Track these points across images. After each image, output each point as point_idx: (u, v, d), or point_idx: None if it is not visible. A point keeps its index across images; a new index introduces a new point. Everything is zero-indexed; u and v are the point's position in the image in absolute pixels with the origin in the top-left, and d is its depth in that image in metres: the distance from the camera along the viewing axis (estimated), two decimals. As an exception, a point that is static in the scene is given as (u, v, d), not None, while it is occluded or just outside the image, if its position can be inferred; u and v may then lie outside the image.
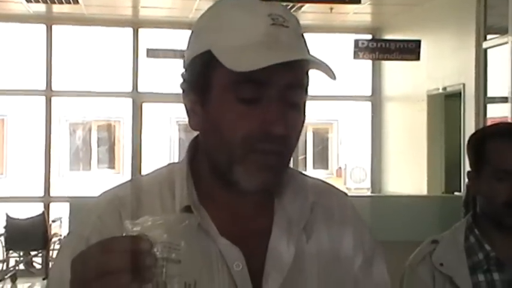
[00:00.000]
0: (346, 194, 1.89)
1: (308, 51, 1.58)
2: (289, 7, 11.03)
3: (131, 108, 12.88)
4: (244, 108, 1.53)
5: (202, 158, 1.65)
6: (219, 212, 1.59)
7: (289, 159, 1.63)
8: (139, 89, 12.68)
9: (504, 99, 9.77)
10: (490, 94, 10.20)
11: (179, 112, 19.35)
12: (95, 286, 1.20)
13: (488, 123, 10.01)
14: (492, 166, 2.61)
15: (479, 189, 2.68)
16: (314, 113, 16.59)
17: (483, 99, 10.16)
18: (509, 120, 9.57)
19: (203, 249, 1.54)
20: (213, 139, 1.60)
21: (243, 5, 1.58)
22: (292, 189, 1.68)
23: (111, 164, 21.93)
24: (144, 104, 12.88)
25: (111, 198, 1.63)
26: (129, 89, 12.77)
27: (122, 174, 19.10)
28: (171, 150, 20.31)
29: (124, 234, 1.26)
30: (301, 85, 1.57)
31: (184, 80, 1.63)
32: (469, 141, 2.80)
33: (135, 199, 1.61)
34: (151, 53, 12.14)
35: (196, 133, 1.69)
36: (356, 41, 11.71)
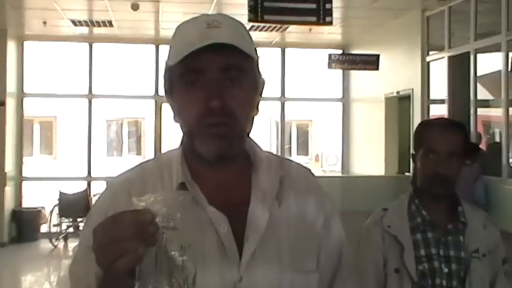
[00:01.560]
0: (309, 169, 1.85)
1: (245, 41, 1.54)
2: (277, 28, 11.08)
3: (153, 108, 12.92)
4: (191, 94, 1.53)
5: (186, 142, 1.64)
6: (207, 186, 1.57)
7: (241, 130, 1.59)
8: (160, 93, 12.54)
9: (442, 101, 9.94)
10: (432, 97, 10.35)
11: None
12: (109, 250, 1.20)
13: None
14: (424, 148, 2.60)
15: (417, 167, 2.66)
16: (297, 112, 16.60)
17: (427, 101, 10.29)
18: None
19: (196, 216, 1.52)
20: (181, 124, 1.59)
21: (191, 21, 1.58)
22: (265, 166, 1.66)
23: (138, 151, 22.17)
24: (163, 104, 12.69)
25: (123, 180, 1.64)
26: (152, 93, 12.83)
27: (147, 158, 19.24)
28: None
29: (132, 209, 1.25)
30: (237, 66, 1.53)
31: (164, 86, 1.64)
32: (414, 131, 2.79)
33: (141, 180, 1.60)
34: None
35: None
36: (329, 55, 11.71)
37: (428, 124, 2.85)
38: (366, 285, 2.59)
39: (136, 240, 1.20)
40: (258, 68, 1.62)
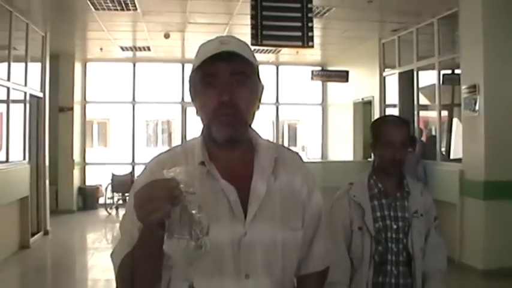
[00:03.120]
0: (297, 152, 1.81)
1: (248, 53, 1.55)
2: (272, 51, 11.04)
3: (180, 111, 12.95)
4: (208, 91, 1.52)
5: (205, 131, 1.62)
6: (220, 164, 1.55)
7: (244, 121, 1.58)
8: (185, 99, 12.70)
9: (395, 105, 9.97)
10: (387, 102, 10.34)
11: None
12: (146, 208, 1.23)
13: None
14: (383, 139, 2.58)
15: (376, 153, 2.63)
16: (288, 114, 16.66)
17: (384, 105, 10.37)
18: None
19: (212, 187, 1.51)
20: (201, 116, 1.59)
21: (209, 40, 1.58)
22: (264, 149, 1.64)
23: (169, 144, 22.12)
24: (187, 108, 12.84)
25: (158, 160, 1.62)
26: (179, 99, 12.84)
27: None
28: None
29: (162, 178, 1.27)
30: (242, 72, 1.53)
31: (189, 89, 1.64)
32: (370, 125, 2.76)
33: (171, 160, 1.57)
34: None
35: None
36: (312, 71, 11.81)
37: (384, 121, 2.78)
38: (337, 239, 2.55)
39: (165, 200, 1.22)
40: (258, 74, 1.62)
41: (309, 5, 6.46)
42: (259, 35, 6.31)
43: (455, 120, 9.20)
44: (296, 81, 13.77)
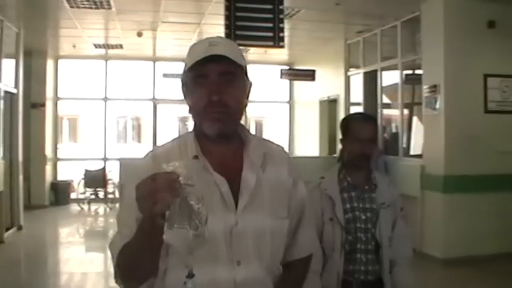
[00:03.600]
0: (282, 147, 1.86)
1: (236, 54, 1.58)
2: (242, 50, 11.29)
3: (151, 108, 12.88)
4: (199, 91, 1.57)
5: (197, 127, 1.66)
6: (212, 158, 1.59)
7: (233, 118, 1.62)
8: (156, 96, 12.72)
9: (359, 104, 10.10)
10: (352, 100, 10.49)
11: (179, 110, 19.59)
12: (148, 199, 1.27)
13: None
14: (351, 135, 2.64)
15: (346, 148, 2.69)
16: (256, 111, 16.78)
17: (348, 103, 10.52)
18: None
19: (205, 179, 1.54)
20: (193, 113, 1.63)
21: (199, 41, 1.62)
22: (252, 144, 1.68)
23: (139, 140, 22.04)
24: (158, 105, 12.89)
25: (153, 154, 1.67)
26: (150, 96, 12.80)
27: (145, 145, 18.95)
28: (173, 131, 20.23)
29: (162, 171, 1.30)
30: (231, 72, 1.57)
31: (182, 87, 1.67)
32: (340, 122, 2.80)
33: (166, 154, 1.60)
34: (166, 75, 12.15)
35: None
36: (281, 70, 11.88)
37: (353, 118, 2.85)
38: None
39: (166, 192, 1.25)
40: (246, 73, 1.65)
41: (280, 7, 6.59)
42: (233, 35, 6.41)
43: (414, 118, 9.41)
44: (264, 80, 13.86)
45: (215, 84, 1.55)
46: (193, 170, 1.36)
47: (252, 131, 20.06)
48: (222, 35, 6.22)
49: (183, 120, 19.65)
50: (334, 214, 2.60)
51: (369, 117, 2.80)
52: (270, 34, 6.57)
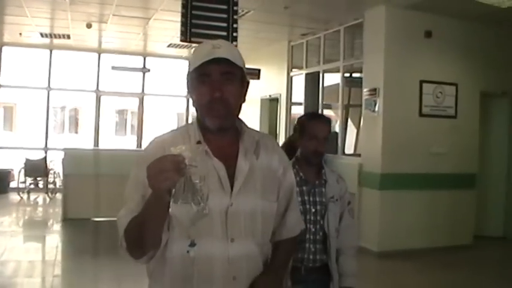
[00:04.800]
0: (272, 137, 2.03)
1: (236, 57, 1.71)
2: (187, 46, 10.65)
3: (95, 99, 12.59)
4: (203, 88, 1.69)
5: (199, 119, 1.78)
6: (212, 146, 1.71)
7: (232, 113, 1.75)
8: (100, 88, 12.47)
9: (300, 103, 10.28)
10: (293, 100, 10.65)
11: (118, 103, 19.22)
12: (158, 177, 1.40)
13: (292, 117, 10.53)
14: (307, 133, 2.71)
15: (301, 145, 2.75)
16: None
17: (290, 103, 10.70)
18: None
19: (206, 163, 1.62)
20: (196, 107, 1.76)
21: (203, 43, 1.77)
22: (247, 134, 1.82)
23: (76, 131, 21.47)
24: (102, 97, 12.63)
25: (159, 140, 1.79)
26: (94, 88, 12.52)
27: (84, 136, 18.49)
28: (111, 121, 19.89)
29: (170, 154, 1.42)
30: (231, 73, 1.70)
31: (186, 84, 1.79)
32: (297, 120, 2.87)
33: (171, 140, 1.70)
34: (115, 68, 11.99)
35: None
36: None
37: (311, 116, 2.93)
38: None
39: (173, 171, 1.38)
40: (244, 73, 1.78)
41: (235, 8, 6.65)
42: (188, 32, 6.42)
43: (349, 120, 9.66)
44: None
45: (217, 82, 1.68)
46: (198, 153, 1.46)
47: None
48: (175, 31, 6.19)
49: (121, 111, 19.36)
50: None
51: (324, 117, 2.88)
52: (224, 33, 6.59)
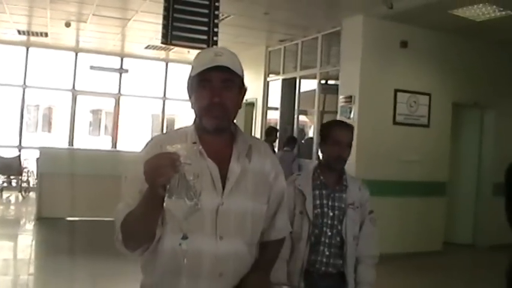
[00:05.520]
0: (265, 142, 2.11)
1: (236, 66, 1.79)
2: (164, 48, 10.94)
3: (71, 98, 12.45)
4: (203, 93, 1.77)
5: (197, 121, 1.85)
6: (208, 147, 1.78)
7: (229, 117, 1.83)
8: (76, 87, 12.34)
9: (276, 108, 10.38)
10: (269, 105, 10.72)
11: (93, 103, 18.99)
12: (154, 173, 1.48)
13: (267, 121, 10.63)
14: (331, 139, 2.73)
15: (324, 151, 2.79)
16: (169, 108, 16.46)
17: (266, 107, 10.77)
18: (278, 120, 10.25)
19: (200, 163, 1.70)
20: (196, 110, 1.83)
21: (205, 50, 1.88)
22: (241, 138, 1.88)
23: (49, 130, 21.15)
24: (78, 96, 12.53)
25: (157, 139, 1.88)
26: (70, 87, 12.38)
27: (57, 135, 18.27)
28: (85, 121, 19.69)
29: (166, 151, 1.50)
30: (231, 80, 1.78)
31: (187, 87, 1.86)
32: (321, 126, 2.94)
33: (168, 139, 1.78)
34: (93, 67, 11.95)
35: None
36: None
37: (334, 123, 2.94)
38: None
39: (169, 168, 1.46)
40: (242, 81, 1.86)
41: (216, 12, 6.70)
42: (169, 35, 6.44)
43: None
44: (180, 78, 13.81)
45: (217, 88, 1.76)
46: (193, 152, 1.56)
47: (164, 127, 19.67)
48: (154, 33, 6.14)
49: (95, 112, 19.04)
50: (304, 208, 2.74)
51: (348, 124, 2.90)
52: (205, 37, 6.66)
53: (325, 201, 2.77)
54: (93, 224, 8.74)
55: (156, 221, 1.67)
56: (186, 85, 1.86)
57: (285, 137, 9.15)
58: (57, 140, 15.70)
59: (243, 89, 1.87)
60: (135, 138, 16.73)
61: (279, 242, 2.01)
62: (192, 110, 1.86)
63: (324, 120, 9.47)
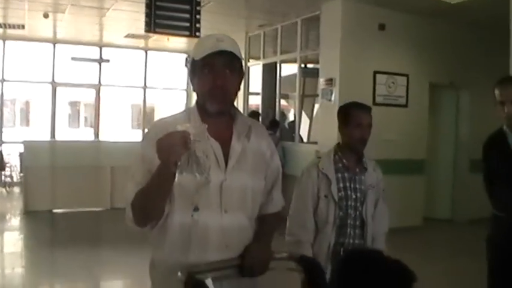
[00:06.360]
0: (263, 125, 2.25)
1: (237, 50, 1.88)
2: (144, 36, 10.81)
3: (51, 90, 12.25)
4: (206, 77, 1.86)
5: (200, 103, 1.94)
6: (210, 128, 1.72)
7: (230, 100, 1.93)
8: (55, 80, 12.18)
9: (258, 93, 10.44)
10: (250, 90, 10.78)
11: (71, 94, 18.74)
12: (166, 151, 1.58)
13: (249, 106, 10.68)
14: (352, 121, 2.77)
15: (346, 133, 2.82)
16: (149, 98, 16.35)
17: (247, 93, 10.79)
18: (260, 105, 10.36)
19: (205, 142, 1.70)
20: (198, 93, 1.93)
21: (207, 36, 1.93)
22: (241, 120, 2.00)
23: (27, 124, 20.92)
24: (58, 88, 12.35)
25: (161, 122, 1.96)
26: (49, 79, 12.19)
27: (36, 129, 18.02)
28: (64, 113, 19.49)
29: (177, 131, 1.59)
30: (232, 64, 1.87)
31: (189, 71, 1.95)
32: (339, 109, 2.95)
33: (173, 122, 1.79)
34: (75, 59, 11.90)
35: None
36: (186, 58, 12.00)
37: (354, 105, 2.91)
38: (305, 204, 2.79)
39: (180, 145, 1.56)
40: (241, 66, 1.95)
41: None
42: (152, 23, 6.50)
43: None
44: (168, 67, 13.77)
45: (220, 72, 1.85)
46: (201, 130, 1.64)
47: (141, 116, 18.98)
48: (133, 22, 6.08)
49: (74, 104, 18.73)
50: (329, 191, 2.79)
51: (366, 106, 2.93)
52: (187, 24, 6.76)
53: (348, 184, 2.81)
54: (80, 215, 8.82)
55: (166, 197, 1.78)
56: (188, 70, 1.98)
57: (267, 121, 9.24)
58: (37, 133, 15.48)
59: (241, 73, 1.96)
60: (116, 129, 16.71)
61: (275, 214, 2.13)
62: (196, 94, 1.96)
63: (305, 104, 9.62)
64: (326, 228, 2.79)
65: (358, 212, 2.82)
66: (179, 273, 1.76)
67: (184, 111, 2.03)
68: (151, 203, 1.77)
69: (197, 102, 1.97)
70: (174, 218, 1.86)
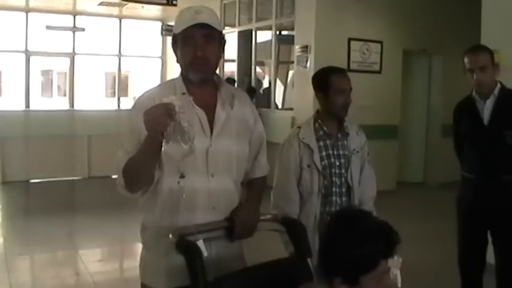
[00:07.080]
0: (244, 92, 2.32)
1: (215, 21, 1.92)
2: (117, 4, 10.78)
3: (24, 60, 11.96)
4: (188, 48, 1.91)
5: (184, 73, 1.99)
6: (195, 96, 1.85)
7: (212, 68, 1.98)
8: (29, 48, 11.92)
9: (233, 60, 10.40)
10: (226, 58, 10.61)
11: (43, 63, 18.33)
12: (153, 121, 1.66)
13: (224, 73, 10.57)
14: (333, 87, 2.66)
15: (327, 100, 2.70)
16: (128, 66, 16.17)
17: (223, 60, 10.41)
18: (235, 72, 10.37)
19: (190, 111, 1.79)
20: (181, 64, 1.97)
21: (186, 8, 1.95)
22: (224, 88, 2.05)
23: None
24: (31, 57, 12.09)
25: (148, 93, 2.02)
26: (22, 48, 11.88)
27: (7, 99, 17.48)
28: (36, 83, 19.05)
29: (162, 102, 1.66)
30: (211, 35, 1.91)
31: (172, 44, 2.00)
32: (314, 75, 2.84)
33: (160, 92, 1.93)
34: (49, 27, 11.70)
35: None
36: (162, 25, 12.04)
37: (333, 71, 2.80)
38: (288, 176, 2.70)
39: (166, 116, 1.63)
40: (222, 34, 2.00)
41: (174, -32, 6.69)
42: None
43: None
44: (135, 35, 13.60)
45: (199, 44, 1.90)
46: (185, 102, 1.71)
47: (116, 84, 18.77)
48: None
49: (46, 73, 18.26)
50: (312, 161, 2.70)
51: (344, 70, 2.85)
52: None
53: (330, 152, 2.74)
54: (58, 184, 8.81)
55: (155, 164, 1.87)
56: (171, 42, 2.01)
57: (244, 88, 9.26)
58: (9, 103, 15.17)
59: (222, 41, 2.02)
60: (90, 98, 16.48)
61: (262, 178, 2.21)
62: (179, 65, 2.01)
63: (280, 71, 9.65)
64: (311, 199, 2.71)
65: (343, 179, 2.74)
66: (170, 236, 1.85)
67: (170, 81, 2.10)
68: (141, 169, 1.86)
69: (181, 73, 2.02)
70: (163, 183, 1.93)
